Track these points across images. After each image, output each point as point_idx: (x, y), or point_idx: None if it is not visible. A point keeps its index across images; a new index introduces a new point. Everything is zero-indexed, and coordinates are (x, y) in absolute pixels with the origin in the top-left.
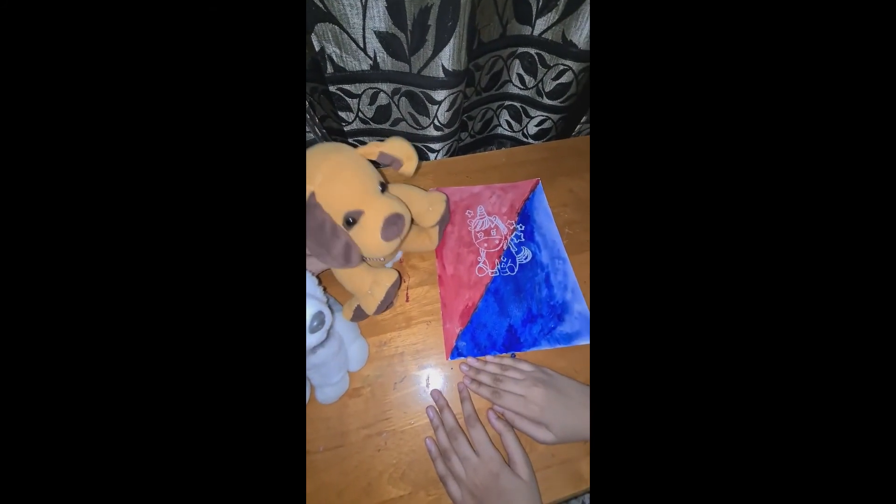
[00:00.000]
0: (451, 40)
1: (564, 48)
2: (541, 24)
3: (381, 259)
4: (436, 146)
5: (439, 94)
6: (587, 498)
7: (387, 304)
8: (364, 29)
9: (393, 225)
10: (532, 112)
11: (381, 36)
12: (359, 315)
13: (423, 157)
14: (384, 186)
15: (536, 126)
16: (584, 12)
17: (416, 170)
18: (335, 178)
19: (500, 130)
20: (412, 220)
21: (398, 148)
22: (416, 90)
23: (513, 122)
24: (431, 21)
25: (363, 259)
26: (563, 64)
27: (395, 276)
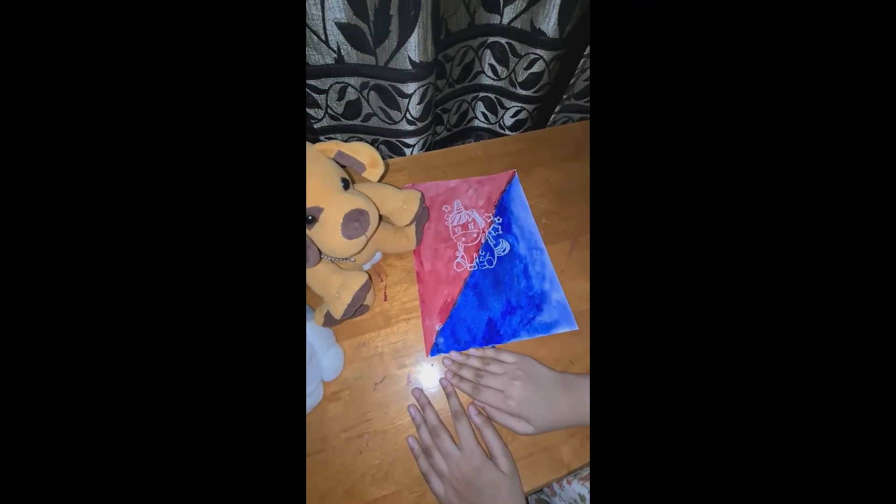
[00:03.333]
0: (416, 30)
1: (534, 37)
2: (509, 13)
3: (352, 260)
4: (410, 141)
5: (409, 87)
6: (566, 480)
7: (355, 307)
8: (324, 20)
9: (354, 221)
10: (507, 103)
11: (343, 27)
12: (330, 320)
13: (398, 152)
14: (347, 183)
15: (512, 117)
16: (551, 0)
17: (382, 176)
18: None
19: (476, 123)
20: (382, 219)
21: (361, 151)
22: (385, 83)
23: (489, 114)
24: (393, 10)
25: (321, 258)
26: (533, 53)
27: (363, 278)
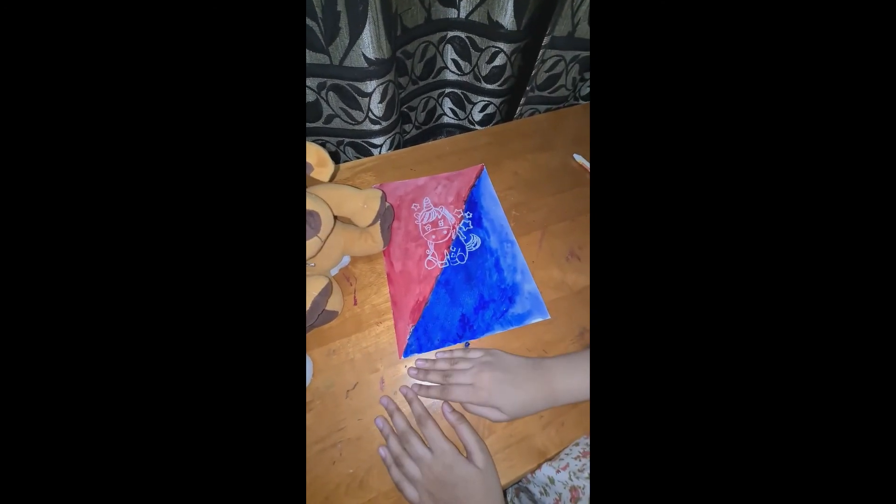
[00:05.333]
0: (367, 26)
1: (493, 30)
2: (465, 6)
3: (312, 265)
4: (377, 141)
5: (368, 86)
6: (541, 467)
7: (316, 313)
8: None
9: None
10: (474, 98)
11: None
12: None
13: (366, 153)
14: None
15: (481, 112)
16: None
17: (333, 175)
18: None
19: (445, 119)
20: (344, 221)
21: (307, 151)
22: (343, 83)
23: (457, 110)
24: (341, 7)
25: None
26: (494, 46)
27: (323, 283)
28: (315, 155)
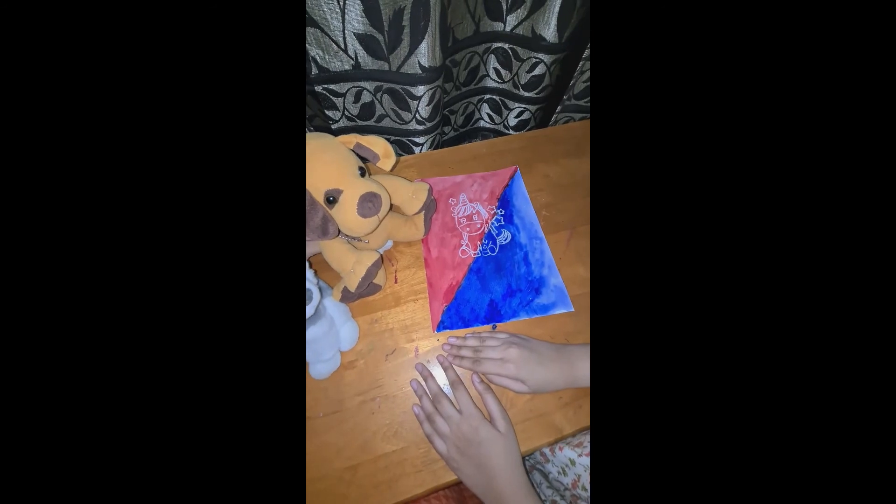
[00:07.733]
0: (426, 38)
1: (535, 42)
2: (511, 20)
3: (366, 241)
4: (420, 140)
5: (419, 90)
6: (557, 446)
7: (368, 281)
8: (344, 31)
9: (368, 202)
10: (511, 104)
11: (360, 37)
12: (347, 296)
13: (408, 151)
14: (364, 171)
15: (516, 118)
16: (551, 8)
17: (394, 166)
18: (314, 159)
19: (481, 123)
20: (393, 208)
21: (376, 143)
22: (397, 87)
23: (493, 115)
24: (406, 21)
25: (340, 233)
26: (535, 57)
27: (375, 256)
28: (382, 147)
